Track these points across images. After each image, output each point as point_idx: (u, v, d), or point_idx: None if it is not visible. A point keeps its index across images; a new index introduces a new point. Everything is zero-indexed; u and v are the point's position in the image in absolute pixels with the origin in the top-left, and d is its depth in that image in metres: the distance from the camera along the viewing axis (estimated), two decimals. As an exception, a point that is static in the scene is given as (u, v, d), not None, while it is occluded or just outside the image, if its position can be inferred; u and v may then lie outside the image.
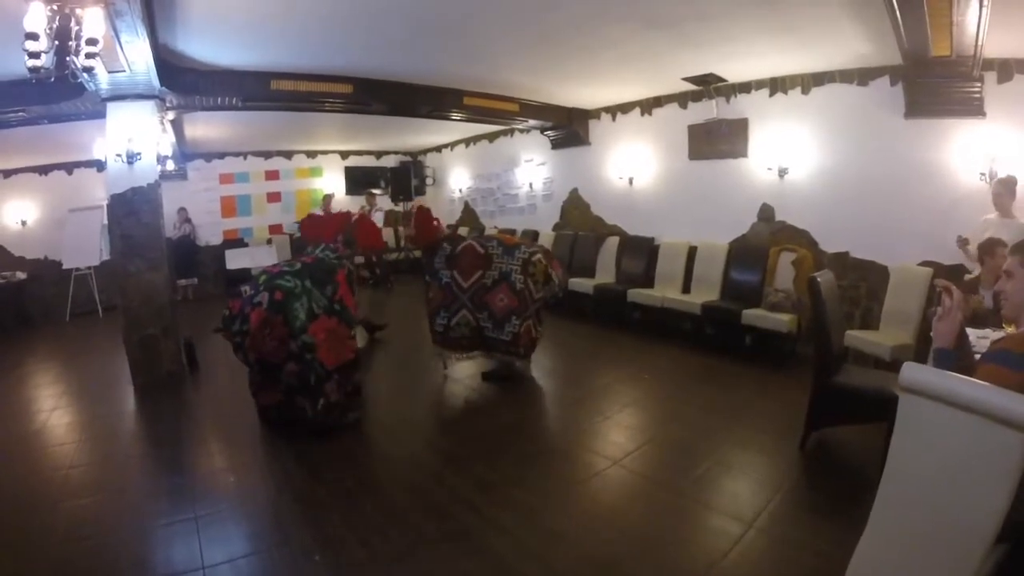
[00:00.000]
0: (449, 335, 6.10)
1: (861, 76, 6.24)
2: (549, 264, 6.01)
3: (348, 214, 6.44)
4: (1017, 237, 4.86)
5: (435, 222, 6.53)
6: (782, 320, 6.26)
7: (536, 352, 6.26)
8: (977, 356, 2.63)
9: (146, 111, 6.18)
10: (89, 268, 10.69)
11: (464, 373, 6.38)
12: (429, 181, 14.62)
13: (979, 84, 5.32)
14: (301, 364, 4.56)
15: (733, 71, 7.02)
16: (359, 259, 8.47)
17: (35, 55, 3.36)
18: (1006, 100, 5.30)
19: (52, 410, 5.71)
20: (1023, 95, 5.23)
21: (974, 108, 5.43)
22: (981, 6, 3.95)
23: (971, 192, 5.38)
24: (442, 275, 6.09)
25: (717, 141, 7.70)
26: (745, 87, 7.33)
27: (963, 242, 5.34)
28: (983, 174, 5.37)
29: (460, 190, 13.75)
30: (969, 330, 3.45)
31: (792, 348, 6.45)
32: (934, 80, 5.44)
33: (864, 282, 6.34)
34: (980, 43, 4.56)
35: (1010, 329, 2.62)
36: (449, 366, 6.38)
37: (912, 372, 1.95)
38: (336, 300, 4.84)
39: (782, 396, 5.28)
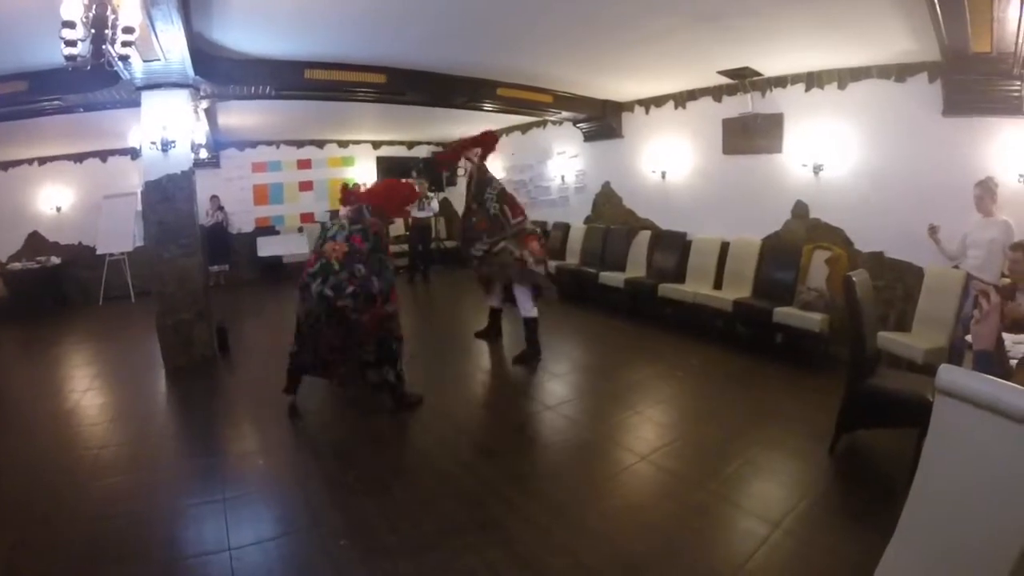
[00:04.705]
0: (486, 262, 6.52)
1: (899, 72, 6.07)
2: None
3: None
4: (1003, 234, 4.85)
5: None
6: (814, 319, 6.17)
7: (567, 344, 6.92)
8: (1013, 362, 2.59)
9: (180, 99, 6.27)
10: (122, 254, 10.89)
11: (495, 359, 6.54)
12: (460, 172, 14.56)
13: (1019, 82, 5.13)
14: (383, 331, 4.78)
15: (769, 65, 6.90)
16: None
17: (71, 43, 3.39)
18: (1048, 99, 5.13)
19: (85, 391, 5.83)
20: (1066, 94, 5.07)
21: (1013, 107, 5.25)
22: (1023, 2, 3.85)
23: (1010, 193, 5.20)
24: (491, 207, 6.51)
25: (752, 136, 7.58)
26: (780, 81, 7.19)
27: (933, 230, 5.38)
28: (1022, 175, 5.24)
29: (492, 181, 13.64)
30: (1006, 335, 3.39)
31: (823, 348, 6.34)
32: (973, 77, 5.28)
33: (900, 283, 6.19)
34: (1021, 40, 4.42)
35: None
36: (498, 300, 7.01)
37: (950, 375, 1.90)
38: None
39: (812, 397, 5.21)
